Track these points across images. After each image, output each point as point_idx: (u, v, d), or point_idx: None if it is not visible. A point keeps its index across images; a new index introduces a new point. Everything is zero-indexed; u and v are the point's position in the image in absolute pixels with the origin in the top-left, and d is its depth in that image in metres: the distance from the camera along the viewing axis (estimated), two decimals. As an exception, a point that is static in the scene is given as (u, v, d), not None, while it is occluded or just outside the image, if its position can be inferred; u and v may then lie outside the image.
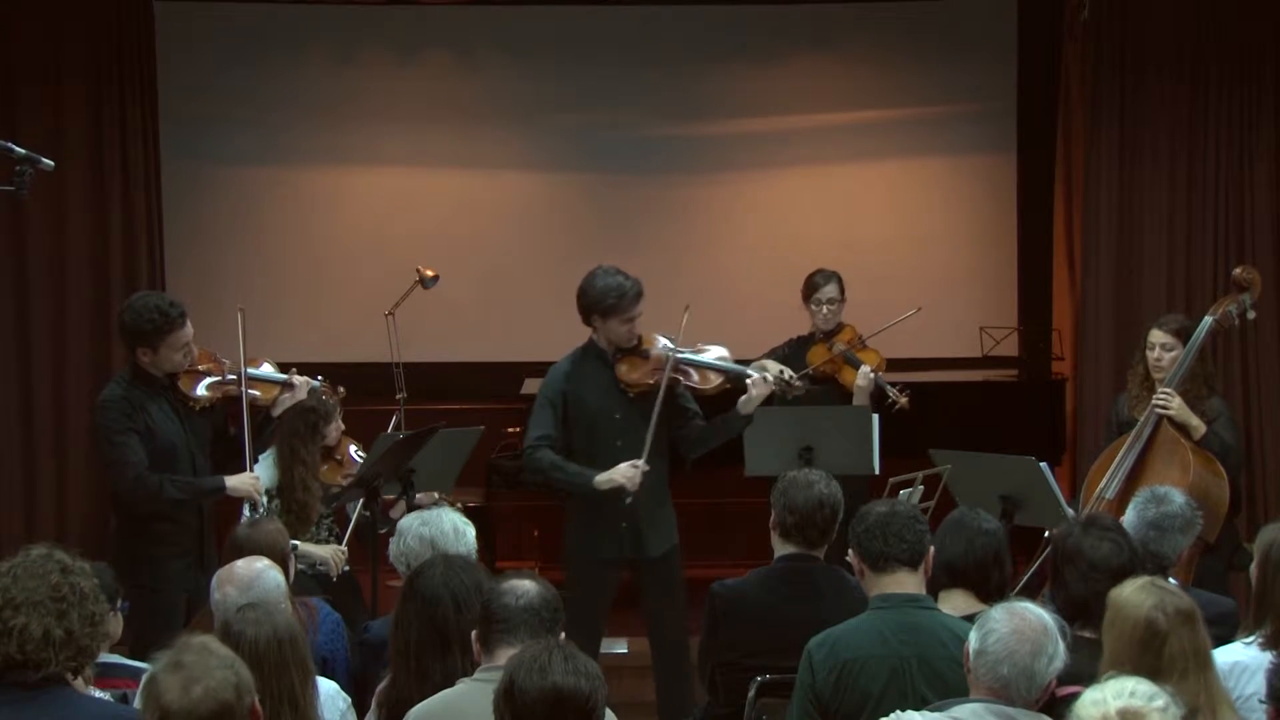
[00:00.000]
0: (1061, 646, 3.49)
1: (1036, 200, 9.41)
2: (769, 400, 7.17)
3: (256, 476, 5.84)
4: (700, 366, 6.09)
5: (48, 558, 3.32)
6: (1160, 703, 3.01)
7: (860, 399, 6.93)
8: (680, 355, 6.04)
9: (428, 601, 3.94)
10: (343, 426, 6.51)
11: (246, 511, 5.85)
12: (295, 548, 6.09)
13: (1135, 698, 3.01)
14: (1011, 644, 3.45)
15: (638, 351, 6.09)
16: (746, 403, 6.03)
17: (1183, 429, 6.10)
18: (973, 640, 3.52)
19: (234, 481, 5.77)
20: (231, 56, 9.34)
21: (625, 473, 5.89)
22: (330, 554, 6.23)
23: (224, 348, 6.02)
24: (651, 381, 6.01)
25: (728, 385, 6.09)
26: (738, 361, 6.19)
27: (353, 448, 6.52)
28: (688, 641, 6.13)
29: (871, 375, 6.90)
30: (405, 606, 3.99)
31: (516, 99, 9.52)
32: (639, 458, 5.92)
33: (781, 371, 6.11)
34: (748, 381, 6.01)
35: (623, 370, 6.07)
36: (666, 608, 6.17)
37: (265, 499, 6.17)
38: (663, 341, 6.13)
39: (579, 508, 6.15)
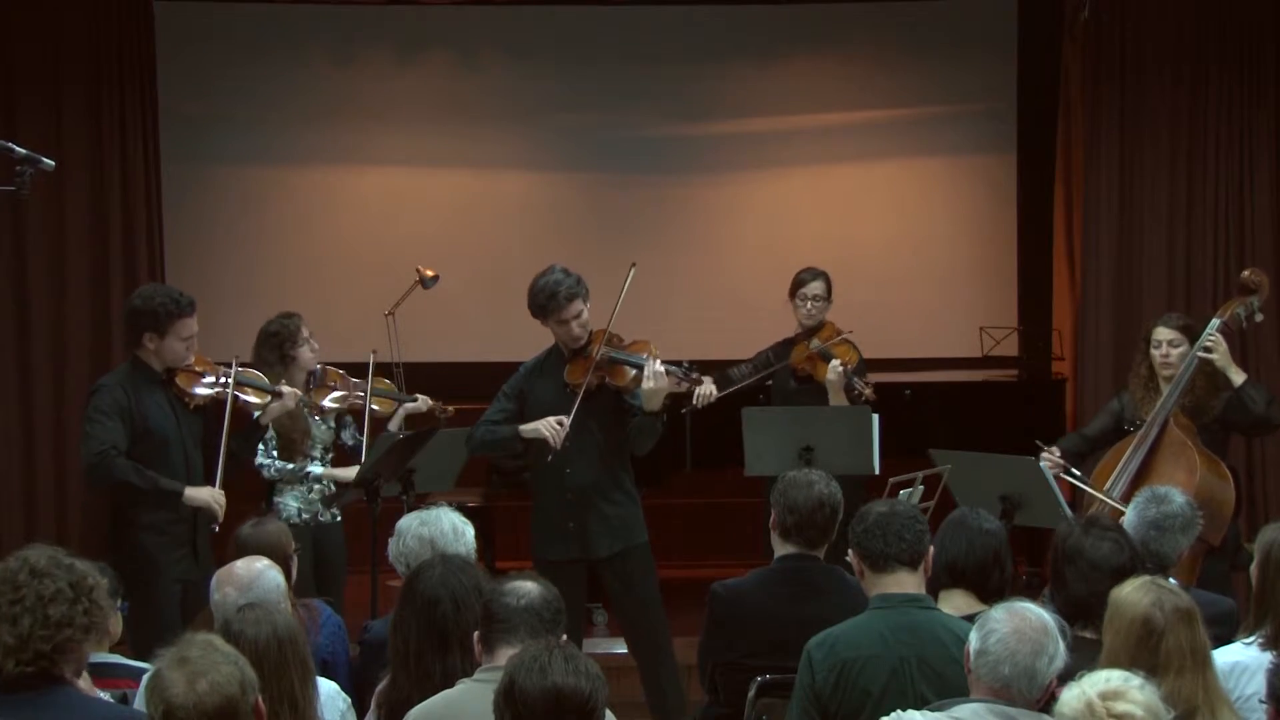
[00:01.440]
0: (1062, 646, 3.49)
1: (1036, 200, 9.41)
2: (767, 400, 7.19)
3: (221, 492, 5.70)
4: (619, 363, 6.06)
5: (23, 562, 3.31)
6: (1136, 682, 3.07)
7: (834, 394, 6.88)
8: (606, 354, 6.02)
9: (427, 602, 3.94)
10: (316, 347, 6.45)
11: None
12: (314, 474, 6.26)
13: (1112, 682, 3.06)
14: (1012, 644, 3.45)
15: (582, 351, 6.09)
16: (646, 398, 5.97)
17: (1194, 423, 6.13)
18: (973, 640, 3.52)
19: (192, 491, 5.68)
20: (231, 56, 9.34)
21: (549, 425, 5.92)
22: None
23: (221, 347, 6.00)
24: (582, 381, 6.01)
25: (639, 377, 6.00)
26: (689, 362, 6.15)
27: (341, 376, 6.48)
28: (664, 641, 6.14)
29: (840, 369, 6.82)
30: (404, 607, 3.99)
31: (517, 99, 9.52)
32: (586, 460, 5.98)
33: (682, 365, 6.09)
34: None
35: (567, 370, 6.08)
36: (630, 605, 6.15)
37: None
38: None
39: (534, 510, 6.17)
